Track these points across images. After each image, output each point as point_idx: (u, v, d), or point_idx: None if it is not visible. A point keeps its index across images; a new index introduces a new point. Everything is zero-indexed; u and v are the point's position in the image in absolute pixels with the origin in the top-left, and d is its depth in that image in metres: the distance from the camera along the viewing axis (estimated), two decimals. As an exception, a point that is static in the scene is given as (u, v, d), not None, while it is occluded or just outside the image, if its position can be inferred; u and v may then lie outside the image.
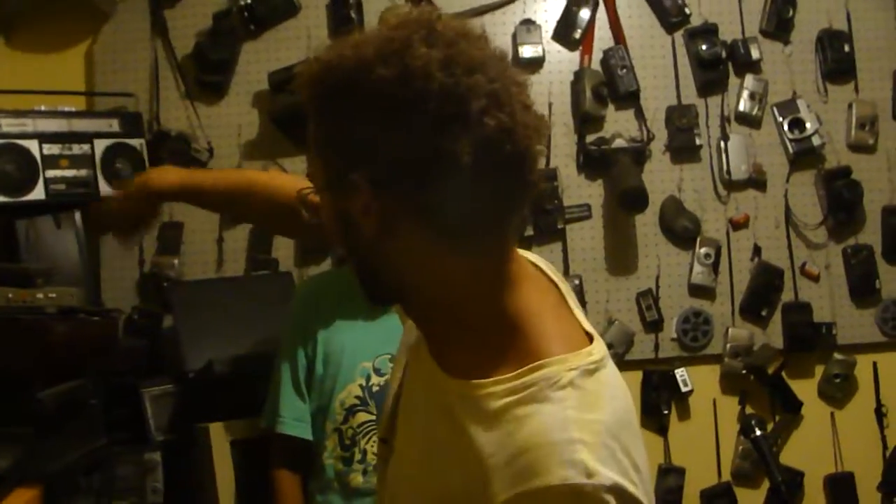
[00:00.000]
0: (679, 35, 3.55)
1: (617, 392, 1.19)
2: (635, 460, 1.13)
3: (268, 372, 2.52)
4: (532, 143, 1.15)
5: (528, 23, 3.45)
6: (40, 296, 2.38)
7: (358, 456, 2.35)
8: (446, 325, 1.24)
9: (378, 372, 2.37)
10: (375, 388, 2.35)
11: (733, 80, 3.56)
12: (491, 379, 1.15)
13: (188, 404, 2.89)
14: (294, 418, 2.42)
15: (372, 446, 2.31)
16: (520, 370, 1.14)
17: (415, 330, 1.34)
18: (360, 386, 2.37)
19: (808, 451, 3.57)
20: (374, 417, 2.33)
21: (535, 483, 1.06)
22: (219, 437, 2.66)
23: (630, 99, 3.48)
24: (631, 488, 1.09)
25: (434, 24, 1.14)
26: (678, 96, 3.52)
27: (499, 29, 3.46)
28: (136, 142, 3.24)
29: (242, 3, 3.39)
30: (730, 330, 3.49)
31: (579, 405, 1.12)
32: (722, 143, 3.51)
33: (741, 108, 3.53)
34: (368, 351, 2.38)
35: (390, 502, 1.35)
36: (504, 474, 1.08)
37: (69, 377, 2.48)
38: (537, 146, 1.16)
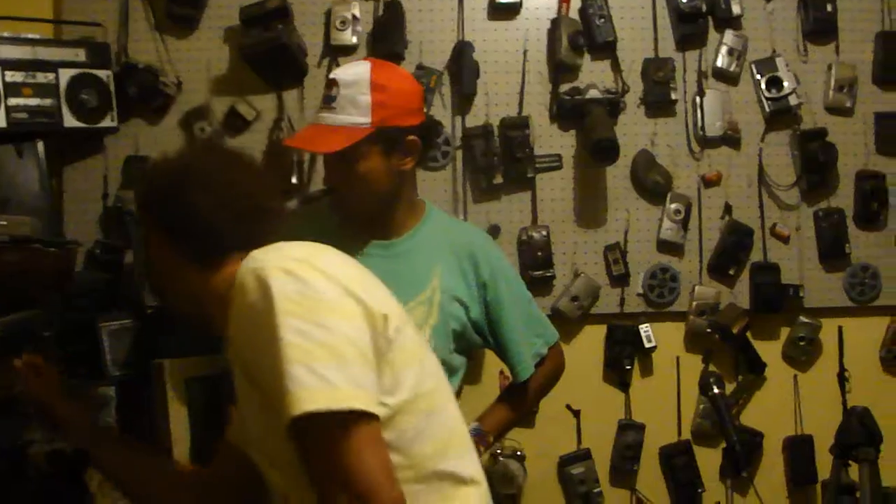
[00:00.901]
0: (660, -14, 3.50)
1: None
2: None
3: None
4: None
5: (505, -29, 3.40)
6: (-9, 223, 2.35)
7: None
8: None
9: None
10: None
11: (713, 36, 3.51)
12: None
13: (146, 340, 2.89)
14: None
15: None
16: None
17: None
18: None
19: (769, 412, 3.58)
20: None
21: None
22: (174, 373, 2.62)
23: (606, 49, 3.43)
24: None
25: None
26: (656, 49, 3.47)
27: (482, -25, 3.43)
28: (102, 73, 3.21)
29: (216, -66, 3.32)
30: (696, 288, 3.48)
31: None
32: (698, 99, 3.48)
33: (719, 63, 3.49)
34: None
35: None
36: None
37: (21, 307, 2.46)
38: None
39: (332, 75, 2.43)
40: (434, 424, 1.70)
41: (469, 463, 1.78)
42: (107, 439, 2.31)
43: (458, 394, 2.84)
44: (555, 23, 3.40)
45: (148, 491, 2.17)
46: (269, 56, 3.25)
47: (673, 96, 3.45)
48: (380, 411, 1.56)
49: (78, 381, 2.76)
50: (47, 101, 3.08)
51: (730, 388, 3.44)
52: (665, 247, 3.49)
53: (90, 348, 2.86)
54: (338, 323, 1.56)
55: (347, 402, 1.50)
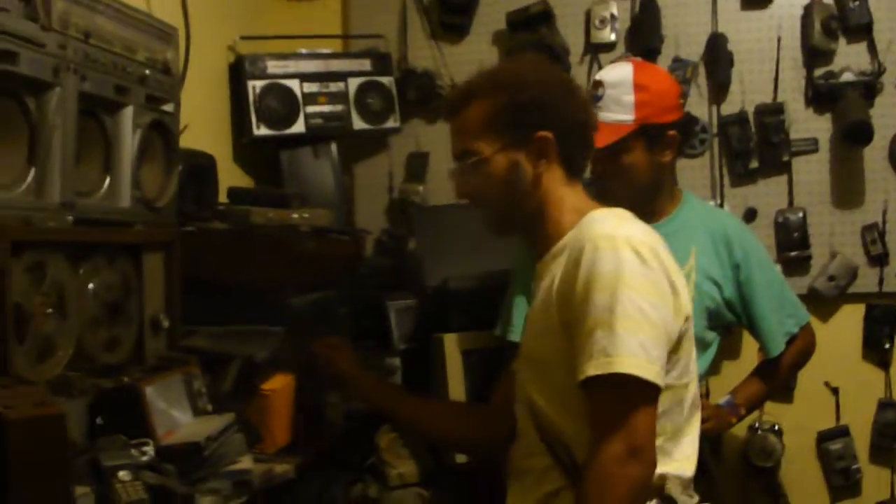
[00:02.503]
0: (918, -34, 3.47)
1: None
2: None
3: (496, 291, 2.74)
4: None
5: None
6: (295, 216, 2.73)
7: None
8: (546, 229, 2.00)
9: None
10: None
11: (978, 10, 3.44)
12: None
13: (427, 317, 3.20)
14: (522, 330, 2.61)
15: None
16: (577, 224, 1.95)
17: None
18: None
19: None
20: None
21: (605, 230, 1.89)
22: (452, 346, 2.90)
23: (862, 31, 3.45)
24: None
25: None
26: (915, 28, 3.46)
27: (726, -33, 3.54)
28: (385, 79, 3.60)
29: (483, -52, 3.64)
30: (961, 266, 3.45)
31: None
32: (960, 76, 3.43)
33: None
34: None
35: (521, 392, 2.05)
36: (578, 247, 1.85)
37: (320, 288, 2.84)
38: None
39: (597, 77, 2.63)
40: (675, 411, 1.91)
41: (684, 450, 1.97)
42: (400, 394, 2.71)
43: (716, 369, 3.01)
44: (807, 9, 3.46)
45: (439, 426, 2.56)
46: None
47: (934, 75, 3.42)
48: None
49: (368, 352, 3.11)
50: (339, 108, 3.51)
51: None
52: (926, 226, 3.46)
53: (379, 324, 3.19)
54: (662, 308, 1.80)
55: (653, 375, 1.75)
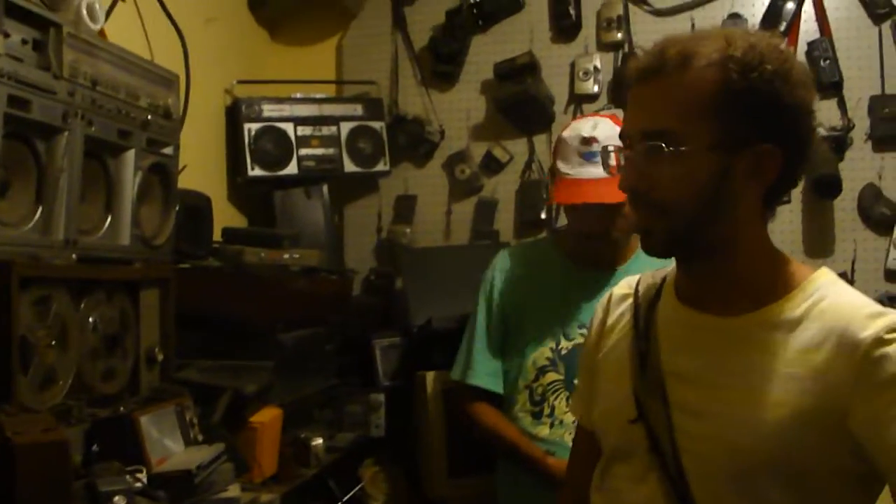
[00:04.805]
0: (886, 26, 3.60)
1: None
2: None
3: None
4: None
5: (735, 16, 3.64)
6: (286, 256, 2.85)
7: (547, 410, 2.58)
8: (730, 272, 1.50)
9: (567, 336, 2.60)
10: (564, 352, 2.59)
11: (941, 72, 3.58)
12: (782, 299, 1.46)
13: (411, 354, 3.30)
14: (486, 373, 2.67)
15: (559, 403, 2.56)
16: (802, 286, 1.47)
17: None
18: (551, 349, 2.60)
19: None
20: (561, 377, 2.58)
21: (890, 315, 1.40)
22: (433, 384, 3.00)
23: (832, 89, 3.59)
24: None
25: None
26: (882, 86, 3.59)
27: (707, 23, 3.66)
28: (376, 124, 3.73)
29: (472, 0, 3.79)
30: (924, 316, 3.53)
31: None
32: (925, 134, 3.55)
33: (948, 99, 3.55)
34: (559, 318, 2.62)
35: (698, 445, 1.47)
36: (852, 331, 1.39)
37: (308, 326, 2.95)
38: None
39: (585, 134, 2.54)
40: None
41: None
42: None
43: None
44: (781, 66, 3.59)
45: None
46: (520, 106, 3.68)
47: (899, 132, 3.54)
48: None
49: (352, 388, 3.22)
50: (331, 151, 3.64)
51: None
52: (893, 276, 3.57)
53: (365, 361, 3.31)
54: None
55: None
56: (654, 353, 1.55)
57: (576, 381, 2.17)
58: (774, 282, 1.48)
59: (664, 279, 1.63)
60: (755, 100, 1.40)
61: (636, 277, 1.71)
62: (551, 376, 2.61)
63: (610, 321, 1.70)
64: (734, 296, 1.49)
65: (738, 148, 1.41)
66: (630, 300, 1.67)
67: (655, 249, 1.51)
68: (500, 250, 2.82)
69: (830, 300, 1.44)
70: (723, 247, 1.47)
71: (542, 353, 2.63)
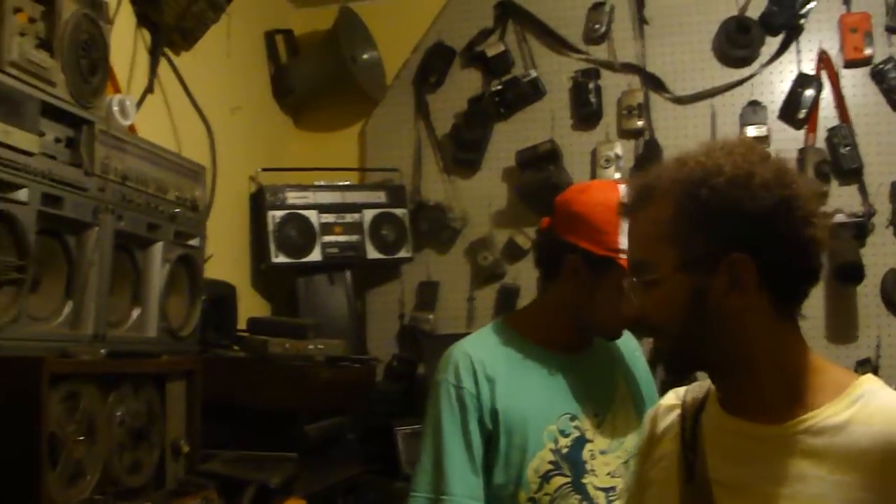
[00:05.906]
0: (906, 112, 3.63)
1: None
2: None
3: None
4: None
5: (755, 104, 3.68)
6: (311, 346, 2.86)
7: None
8: (758, 384, 1.47)
9: (563, 433, 2.27)
10: (565, 450, 2.26)
11: (963, 158, 3.60)
12: (827, 404, 1.43)
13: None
14: (468, 496, 2.22)
15: None
16: (847, 391, 1.44)
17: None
18: (551, 450, 2.25)
19: None
20: (569, 479, 2.23)
21: None
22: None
23: (853, 175, 3.61)
24: None
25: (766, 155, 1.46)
26: (904, 173, 3.61)
27: (727, 109, 3.71)
28: (399, 211, 3.76)
29: (494, 89, 3.85)
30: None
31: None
32: (948, 220, 3.56)
33: (968, 185, 3.56)
34: (550, 414, 2.28)
35: None
36: None
37: (332, 414, 2.95)
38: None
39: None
40: None
41: None
42: None
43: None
44: (801, 152, 3.62)
45: None
46: (542, 193, 3.67)
47: (922, 218, 3.55)
48: None
49: (375, 476, 3.20)
50: (354, 238, 3.67)
51: None
52: (918, 362, 3.55)
53: (387, 449, 3.30)
54: None
55: None
56: (700, 463, 1.52)
57: (583, 480, 2.14)
58: (815, 388, 1.45)
59: (710, 389, 1.61)
60: (709, 214, 1.42)
61: (682, 389, 1.69)
62: (557, 481, 2.26)
63: (658, 432, 1.68)
64: (774, 404, 1.46)
65: (706, 264, 1.43)
66: (677, 411, 1.65)
67: (666, 365, 1.59)
68: (456, 350, 2.31)
69: (878, 404, 1.42)
70: (740, 361, 1.47)
71: (542, 459, 2.27)
